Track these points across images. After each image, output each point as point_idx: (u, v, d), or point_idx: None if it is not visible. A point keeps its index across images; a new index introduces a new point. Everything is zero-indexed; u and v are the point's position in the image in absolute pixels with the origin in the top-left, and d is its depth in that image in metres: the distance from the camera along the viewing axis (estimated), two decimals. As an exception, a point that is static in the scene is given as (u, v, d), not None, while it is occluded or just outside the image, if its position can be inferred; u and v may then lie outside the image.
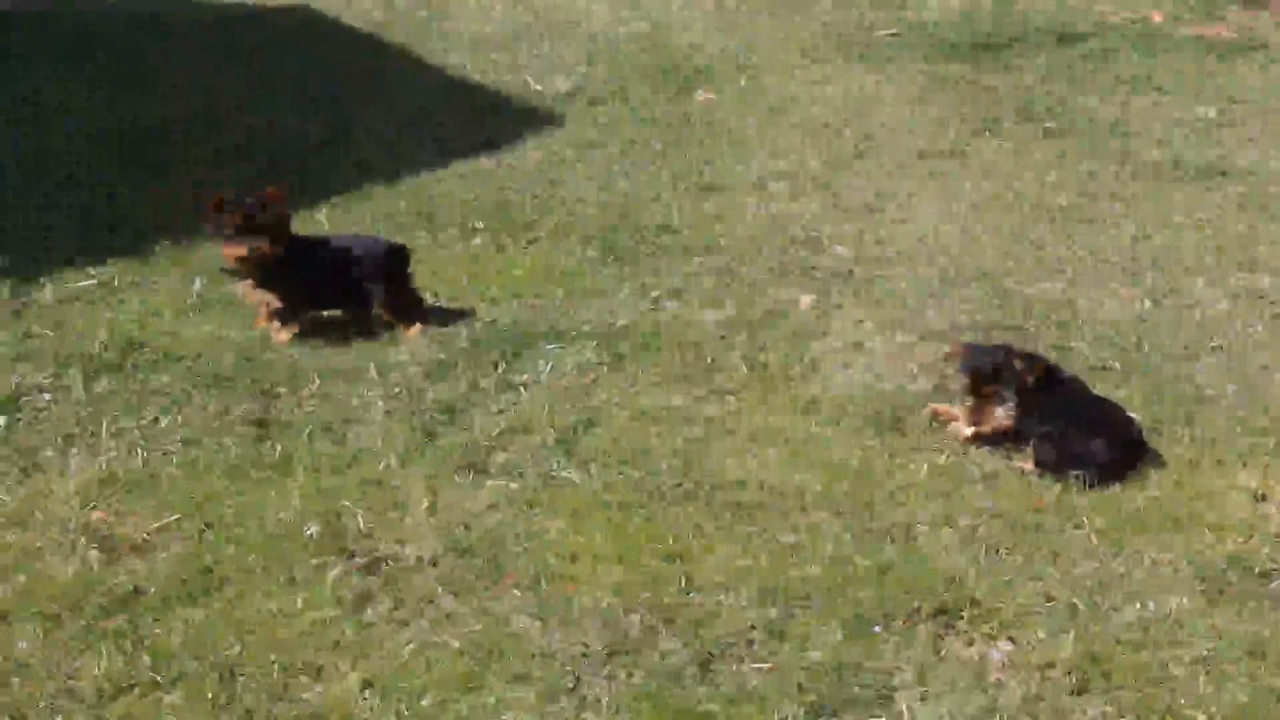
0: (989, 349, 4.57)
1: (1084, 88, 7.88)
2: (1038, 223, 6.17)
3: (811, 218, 6.22)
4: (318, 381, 4.76)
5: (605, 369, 4.90)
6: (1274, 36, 8.93)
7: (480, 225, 6.04)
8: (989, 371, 4.46)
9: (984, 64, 8.32)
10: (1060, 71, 8.13)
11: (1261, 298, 5.54)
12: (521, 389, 4.78)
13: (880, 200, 6.44)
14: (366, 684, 3.49)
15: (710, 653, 3.60)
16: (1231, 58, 8.36)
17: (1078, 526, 4.10)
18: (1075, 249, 5.93)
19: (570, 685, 3.50)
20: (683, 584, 3.84)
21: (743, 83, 7.97)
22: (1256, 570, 3.88)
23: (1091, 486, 4.26)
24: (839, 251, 5.90)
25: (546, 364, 4.91)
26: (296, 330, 5.03)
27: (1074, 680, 3.50)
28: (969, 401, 4.54)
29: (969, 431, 4.53)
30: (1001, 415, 4.47)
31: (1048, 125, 7.34)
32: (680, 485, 4.27)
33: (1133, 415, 4.53)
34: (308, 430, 4.48)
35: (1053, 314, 5.37)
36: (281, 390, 4.71)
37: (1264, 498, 4.25)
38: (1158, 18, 9.34)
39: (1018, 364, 4.42)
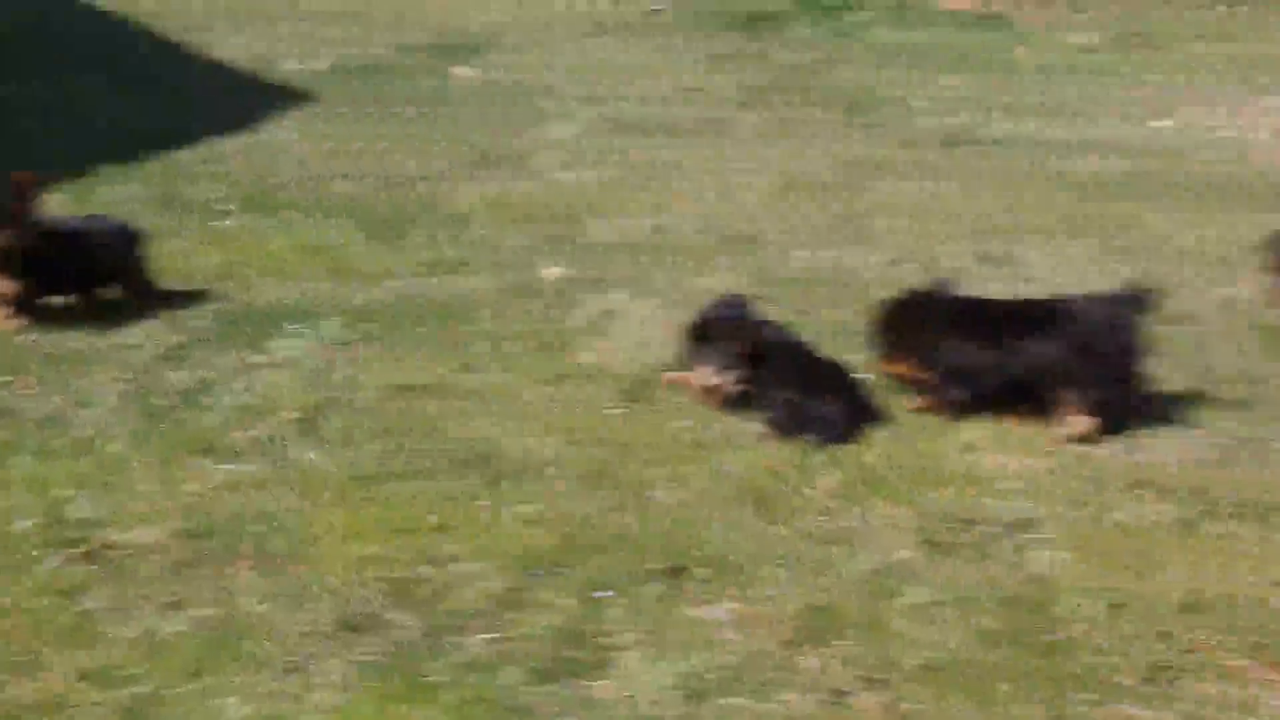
0: (728, 306, 4.62)
1: (842, 61, 8.07)
2: (794, 191, 6.30)
3: (579, 190, 6.25)
4: (45, 367, 4.60)
5: (353, 346, 4.84)
6: (1014, 13, 9.31)
7: (232, 207, 5.90)
8: (699, 326, 4.53)
9: (754, 38, 8.46)
10: (820, 44, 8.32)
11: (996, 261, 5.74)
12: (262, 370, 4.68)
13: (650, 171, 6.49)
14: (83, 675, 3.37)
15: (441, 625, 3.58)
16: (979, 31, 8.66)
17: (809, 485, 4.20)
18: (827, 216, 6.07)
19: (299, 664, 3.44)
20: (419, 558, 3.81)
21: (516, 57, 7.94)
22: (966, 518, 4.03)
23: (824, 447, 4.36)
24: (602, 223, 5.92)
25: (290, 343, 4.82)
26: (25, 319, 4.84)
27: (797, 634, 3.58)
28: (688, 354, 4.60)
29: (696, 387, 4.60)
30: (708, 374, 4.54)
31: (808, 97, 7.50)
32: (424, 459, 4.24)
33: (862, 376, 4.65)
34: (32, 417, 4.32)
35: (803, 279, 5.47)
36: (6, 377, 4.53)
37: (975, 448, 4.41)
38: None
39: (723, 329, 4.48)
